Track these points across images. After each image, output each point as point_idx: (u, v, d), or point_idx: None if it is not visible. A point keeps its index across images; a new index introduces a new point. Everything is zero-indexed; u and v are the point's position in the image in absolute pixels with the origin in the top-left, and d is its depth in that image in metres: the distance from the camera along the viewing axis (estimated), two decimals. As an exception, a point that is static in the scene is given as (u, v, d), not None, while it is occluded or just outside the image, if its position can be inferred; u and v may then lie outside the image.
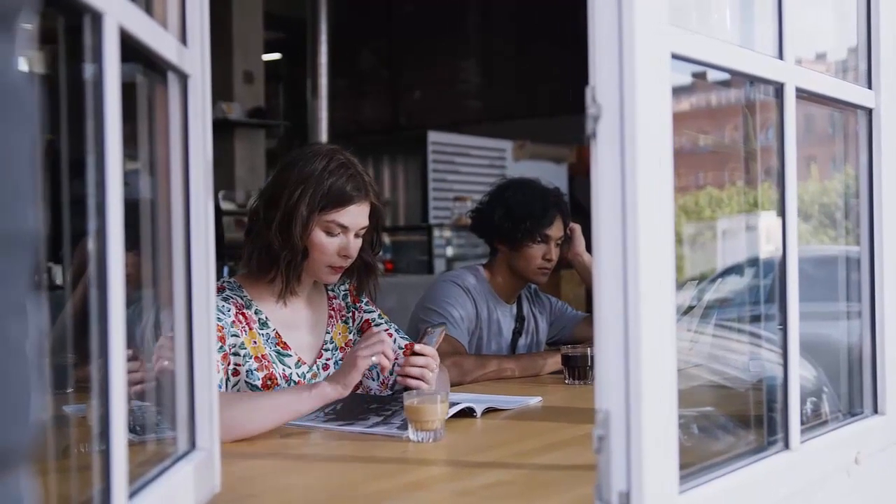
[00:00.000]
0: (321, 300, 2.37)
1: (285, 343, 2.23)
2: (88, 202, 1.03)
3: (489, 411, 2.17)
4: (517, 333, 3.13)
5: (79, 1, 0.96)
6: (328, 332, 2.34)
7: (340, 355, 2.33)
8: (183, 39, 1.36)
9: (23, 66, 0.61)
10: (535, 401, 2.35)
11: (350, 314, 2.41)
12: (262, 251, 2.20)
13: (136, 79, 1.29)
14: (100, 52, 1.01)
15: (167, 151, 1.36)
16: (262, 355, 2.17)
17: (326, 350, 2.32)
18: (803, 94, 1.57)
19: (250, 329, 2.18)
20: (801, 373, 1.56)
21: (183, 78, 1.35)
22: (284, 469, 1.73)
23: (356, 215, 2.20)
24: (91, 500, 1.01)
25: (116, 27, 1.03)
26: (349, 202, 2.18)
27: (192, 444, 1.38)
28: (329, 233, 2.19)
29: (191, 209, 1.37)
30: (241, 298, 2.21)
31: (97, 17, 1.00)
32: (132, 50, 1.12)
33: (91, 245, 1.03)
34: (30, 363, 0.58)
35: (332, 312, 2.37)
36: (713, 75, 1.58)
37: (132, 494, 1.10)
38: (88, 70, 1.03)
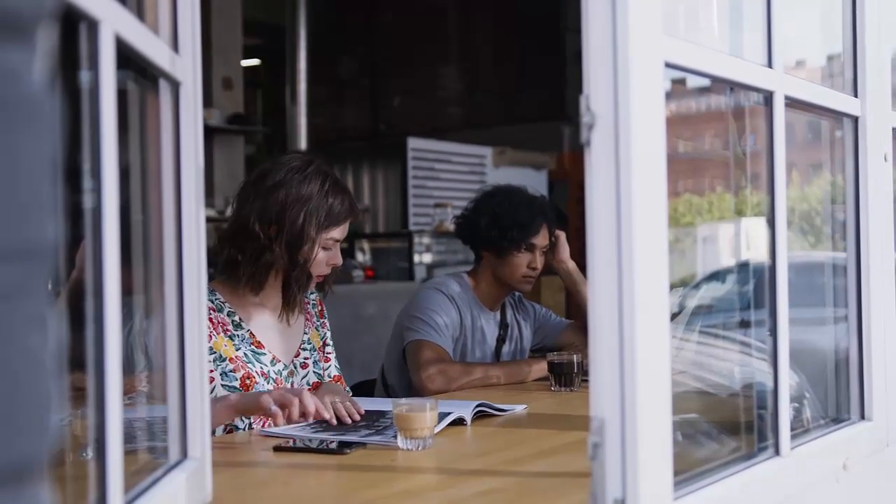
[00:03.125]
0: None
1: (259, 342, 2.29)
2: (82, 209, 1.02)
3: (479, 416, 2.18)
4: (501, 341, 3.13)
5: (76, 8, 0.95)
6: (306, 333, 2.43)
7: (318, 356, 2.43)
8: (175, 47, 1.35)
9: (43, 75, 0.61)
10: (520, 408, 2.35)
11: (321, 322, 2.51)
12: (263, 270, 2.25)
13: (126, 86, 1.28)
14: (96, 59, 1.00)
15: (158, 158, 1.35)
16: (236, 356, 2.23)
17: (305, 349, 2.41)
18: (791, 102, 1.58)
19: (219, 334, 2.23)
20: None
21: (175, 85, 1.35)
22: (275, 479, 1.73)
23: (347, 228, 2.34)
24: (87, 511, 1.00)
25: (112, 35, 1.02)
26: (346, 220, 2.32)
27: (184, 454, 1.37)
28: (325, 248, 2.29)
29: (183, 217, 1.36)
30: (212, 302, 2.24)
31: (93, 25, 1.00)
32: (125, 57, 1.12)
33: (81, 253, 1.03)
34: (49, 374, 0.58)
35: (308, 315, 2.46)
36: (692, 82, 1.59)
37: (127, 505, 1.09)
38: (83, 77, 1.02)
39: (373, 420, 2.14)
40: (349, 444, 1.86)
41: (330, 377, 2.41)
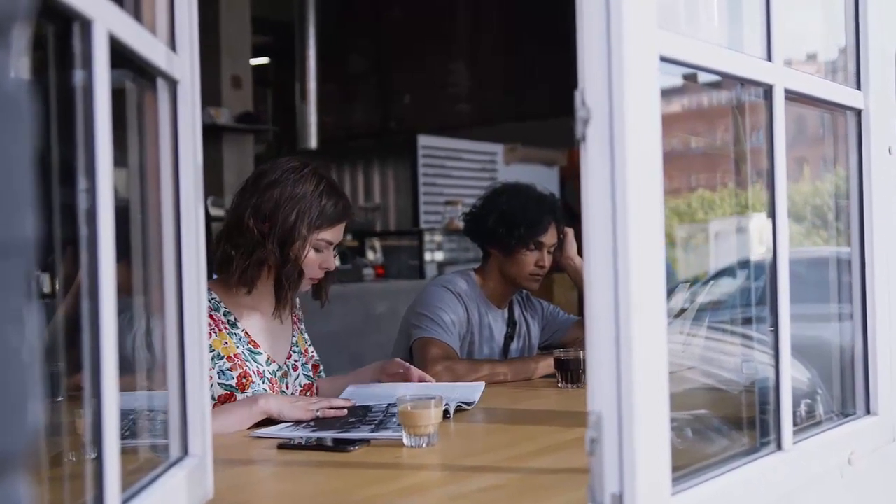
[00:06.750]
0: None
1: (255, 342, 2.33)
2: (78, 209, 1.02)
3: (483, 412, 2.19)
4: (509, 338, 3.13)
5: (68, 7, 0.95)
6: (294, 336, 2.46)
7: (304, 359, 2.46)
8: (172, 45, 1.35)
9: (19, 73, 0.61)
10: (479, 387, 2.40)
11: (303, 326, 2.54)
12: (255, 266, 2.27)
13: (124, 85, 1.29)
14: (89, 58, 1.01)
15: (157, 158, 1.36)
16: (235, 355, 2.26)
17: (294, 352, 2.44)
18: (792, 96, 1.57)
19: (220, 331, 2.27)
20: (794, 375, 1.57)
21: (172, 84, 1.35)
22: (277, 476, 1.73)
23: (341, 232, 2.36)
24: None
25: (106, 34, 1.03)
26: (340, 222, 2.33)
27: (185, 451, 1.37)
28: (317, 250, 2.32)
29: (181, 216, 1.37)
30: (209, 302, 2.26)
31: (86, 24, 1.00)
32: (120, 56, 1.12)
33: (82, 252, 1.03)
34: (27, 370, 0.59)
35: (295, 320, 2.50)
36: (703, 77, 1.58)
37: (125, 501, 1.09)
38: (77, 76, 1.02)
39: (364, 416, 2.14)
40: (353, 442, 1.87)
41: (301, 385, 2.42)
